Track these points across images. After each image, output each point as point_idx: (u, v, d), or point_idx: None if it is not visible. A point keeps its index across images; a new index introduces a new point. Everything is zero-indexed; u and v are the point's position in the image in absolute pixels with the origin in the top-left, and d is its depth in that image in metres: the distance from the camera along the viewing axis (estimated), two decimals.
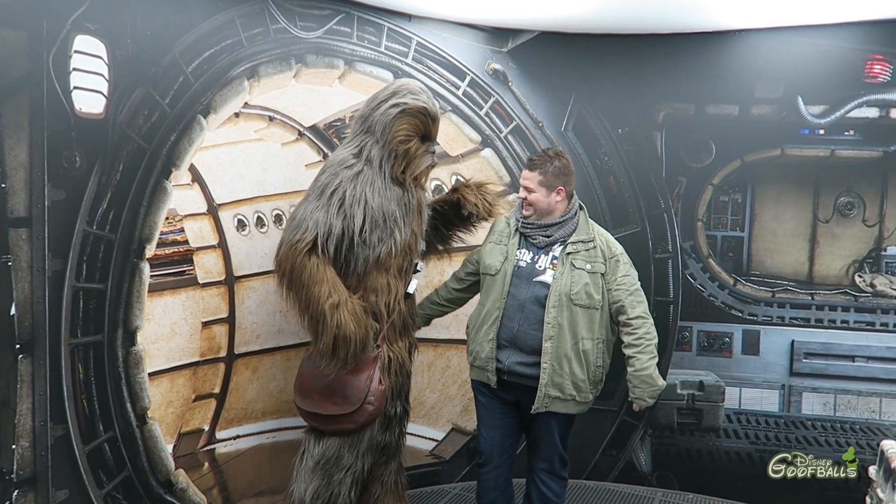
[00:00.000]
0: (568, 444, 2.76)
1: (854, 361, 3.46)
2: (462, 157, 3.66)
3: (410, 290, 2.74)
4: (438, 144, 2.77)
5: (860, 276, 3.45)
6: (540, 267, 2.61)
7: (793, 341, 3.56)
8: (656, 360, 2.61)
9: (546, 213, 2.64)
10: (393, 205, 2.62)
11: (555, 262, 2.60)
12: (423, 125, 2.65)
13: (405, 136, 2.62)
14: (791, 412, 3.56)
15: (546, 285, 2.57)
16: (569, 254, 2.59)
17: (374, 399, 2.54)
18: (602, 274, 2.58)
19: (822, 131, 3.46)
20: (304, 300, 2.45)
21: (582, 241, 2.61)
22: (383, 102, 2.64)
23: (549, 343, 2.53)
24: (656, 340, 2.62)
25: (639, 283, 2.67)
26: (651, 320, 2.62)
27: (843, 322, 3.48)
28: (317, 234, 2.48)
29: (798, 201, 3.54)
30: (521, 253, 2.67)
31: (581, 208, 2.71)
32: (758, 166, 3.59)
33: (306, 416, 2.68)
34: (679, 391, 3.73)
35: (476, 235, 2.99)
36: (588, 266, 2.57)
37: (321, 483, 2.65)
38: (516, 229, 2.71)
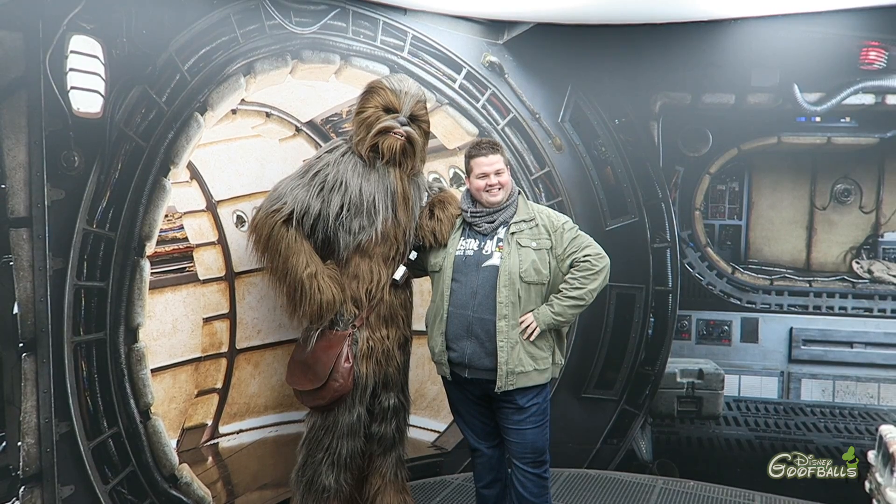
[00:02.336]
0: (545, 437, 2.72)
1: (852, 347, 3.48)
2: (459, 150, 3.66)
3: (396, 276, 2.76)
4: (413, 125, 2.76)
5: (857, 263, 3.46)
6: (487, 252, 2.64)
7: (791, 328, 3.58)
8: (581, 306, 2.60)
9: (508, 191, 2.68)
10: (373, 188, 2.68)
11: (500, 244, 2.63)
12: (383, 99, 2.71)
13: (361, 107, 2.75)
14: (790, 399, 3.58)
15: (496, 267, 2.59)
16: (513, 233, 2.62)
17: (340, 376, 2.66)
18: (549, 249, 2.62)
19: (818, 119, 3.46)
20: (280, 269, 2.63)
21: (524, 221, 2.65)
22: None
23: (503, 322, 2.55)
24: (598, 285, 2.61)
25: (594, 242, 2.67)
26: (605, 270, 2.62)
27: (841, 308, 3.49)
28: (294, 209, 2.62)
29: (795, 189, 3.55)
30: (466, 243, 2.69)
31: (519, 192, 2.75)
32: (754, 155, 3.60)
33: (295, 394, 2.86)
34: (679, 379, 3.75)
35: None
36: (533, 244, 2.60)
37: (305, 461, 2.80)
38: (462, 222, 2.74)
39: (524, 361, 2.58)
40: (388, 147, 2.69)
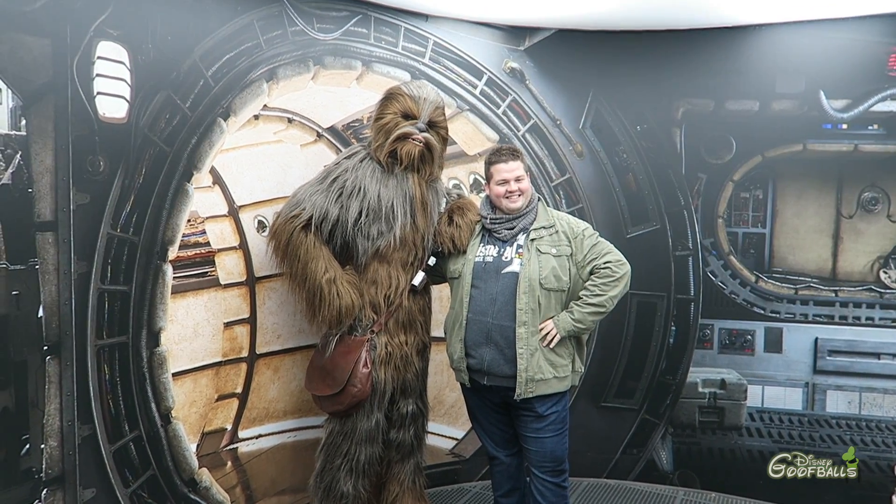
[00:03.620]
0: (564, 446, 2.69)
1: (879, 359, 3.41)
2: (480, 156, 3.65)
3: (415, 282, 2.75)
4: (432, 131, 2.76)
5: (885, 272, 3.39)
6: (507, 259, 2.63)
7: (816, 339, 3.51)
8: (601, 313, 2.58)
9: (528, 198, 2.67)
10: (391, 193, 2.68)
11: (520, 250, 2.62)
12: (402, 105, 2.72)
13: (380, 113, 2.75)
14: (815, 410, 3.52)
15: (515, 274, 2.58)
16: (533, 240, 2.61)
17: (358, 381, 2.65)
18: (569, 255, 2.60)
19: (844, 126, 3.40)
20: (300, 274, 2.63)
21: (544, 227, 2.64)
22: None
23: (522, 329, 2.54)
24: (619, 292, 2.58)
25: (614, 249, 2.65)
26: (626, 277, 2.60)
27: (867, 319, 3.43)
28: (312, 214, 2.62)
29: (821, 197, 3.49)
30: (486, 249, 2.68)
31: (539, 199, 2.74)
32: (779, 162, 3.55)
33: (314, 399, 2.85)
34: (701, 389, 3.70)
35: None
36: (553, 250, 2.59)
37: (323, 467, 2.79)
38: (480, 229, 2.74)
39: (544, 369, 2.56)
40: (406, 153, 2.68)
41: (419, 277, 2.76)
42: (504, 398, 2.65)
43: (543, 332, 2.55)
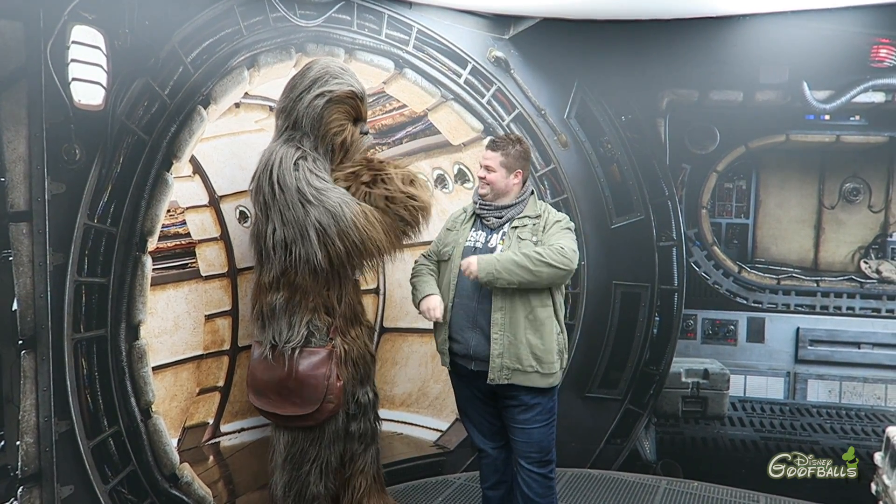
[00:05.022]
0: (551, 437, 2.69)
1: (860, 348, 3.45)
2: (464, 146, 3.62)
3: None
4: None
5: (866, 263, 3.43)
6: (492, 245, 2.65)
7: (798, 328, 3.55)
8: (523, 270, 2.46)
9: (502, 193, 2.68)
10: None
11: (504, 238, 2.64)
12: (354, 109, 2.62)
13: (338, 127, 2.58)
14: (796, 399, 3.56)
15: None
16: (515, 227, 2.64)
17: (334, 397, 2.59)
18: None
19: (827, 117, 3.42)
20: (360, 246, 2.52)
21: (528, 217, 2.66)
22: (305, 93, 2.55)
23: (499, 314, 2.54)
24: (548, 272, 2.49)
25: (574, 247, 2.57)
26: (564, 268, 2.49)
27: (848, 309, 3.46)
28: None
29: (803, 187, 3.51)
30: (476, 234, 2.71)
31: (532, 193, 2.75)
32: (762, 153, 3.56)
33: (265, 414, 2.73)
34: (684, 379, 3.72)
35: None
36: (534, 238, 2.60)
37: (290, 477, 2.71)
38: (472, 214, 2.75)
39: (524, 360, 2.53)
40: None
41: None
42: (491, 387, 2.64)
43: (464, 266, 2.53)
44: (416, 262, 2.85)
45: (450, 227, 2.82)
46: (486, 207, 2.69)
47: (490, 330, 2.55)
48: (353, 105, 2.63)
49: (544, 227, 2.63)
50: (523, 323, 2.54)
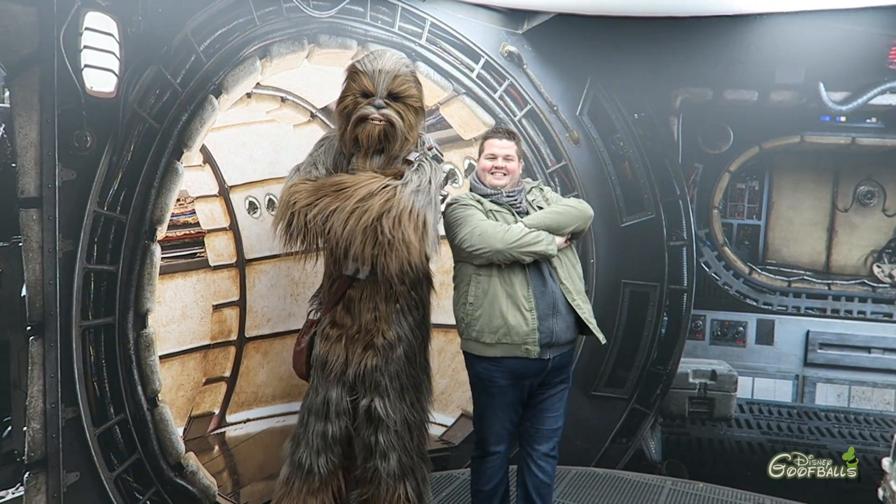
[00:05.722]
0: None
1: (870, 353, 3.42)
2: (475, 140, 3.60)
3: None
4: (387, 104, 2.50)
5: (878, 267, 3.39)
6: None
7: (808, 331, 3.52)
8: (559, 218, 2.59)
9: (515, 180, 2.69)
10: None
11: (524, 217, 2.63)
12: (359, 84, 2.49)
13: (341, 96, 2.55)
14: (804, 403, 3.53)
15: None
16: (531, 201, 2.69)
17: (293, 359, 2.77)
18: None
19: (843, 118, 3.39)
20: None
21: (535, 188, 2.76)
22: None
23: (568, 283, 2.59)
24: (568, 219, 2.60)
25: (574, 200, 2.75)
26: (584, 213, 2.66)
27: (859, 312, 3.43)
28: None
29: (816, 189, 3.48)
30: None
31: (528, 181, 2.82)
32: (776, 153, 3.53)
33: None
34: (691, 380, 3.70)
35: None
36: (546, 206, 2.68)
37: (296, 432, 2.77)
38: (489, 209, 2.63)
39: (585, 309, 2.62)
40: (366, 136, 2.49)
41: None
42: (537, 382, 2.62)
43: (560, 244, 2.58)
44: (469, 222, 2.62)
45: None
46: (512, 195, 2.65)
47: (568, 299, 2.56)
48: (356, 79, 2.51)
49: (546, 201, 2.70)
50: (578, 283, 2.65)
